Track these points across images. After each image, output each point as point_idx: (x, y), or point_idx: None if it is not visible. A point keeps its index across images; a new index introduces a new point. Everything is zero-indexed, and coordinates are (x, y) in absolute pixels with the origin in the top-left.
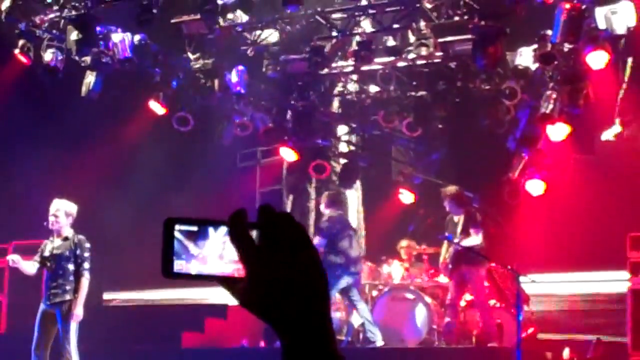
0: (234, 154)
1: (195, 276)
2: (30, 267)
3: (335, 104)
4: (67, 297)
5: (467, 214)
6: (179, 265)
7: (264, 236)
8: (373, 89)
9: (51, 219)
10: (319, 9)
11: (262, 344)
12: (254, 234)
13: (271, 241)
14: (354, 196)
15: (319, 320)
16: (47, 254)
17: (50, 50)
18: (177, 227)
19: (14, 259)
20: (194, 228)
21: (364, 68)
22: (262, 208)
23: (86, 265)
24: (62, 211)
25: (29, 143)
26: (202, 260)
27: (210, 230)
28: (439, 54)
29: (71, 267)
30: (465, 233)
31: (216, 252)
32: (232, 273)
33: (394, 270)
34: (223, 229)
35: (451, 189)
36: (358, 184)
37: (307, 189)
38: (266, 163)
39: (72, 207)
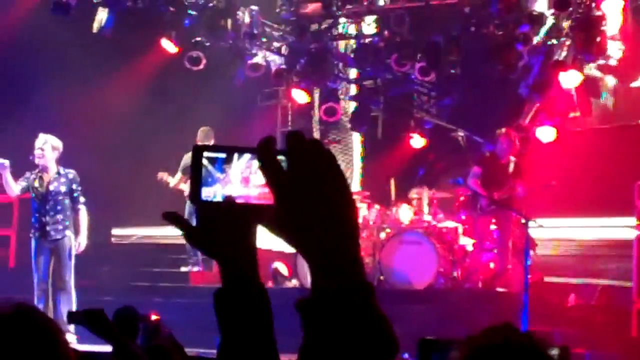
0: (255, 92)
1: (223, 203)
2: (14, 185)
3: (348, 46)
4: (68, 232)
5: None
6: (206, 192)
7: (293, 163)
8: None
9: (37, 152)
10: None
11: (269, 284)
12: (284, 161)
13: (300, 168)
14: (356, 138)
15: (349, 247)
16: (41, 189)
17: None
18: (205, 154)
19: (4, 162)
20: (222, 155)
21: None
22: (290, 134)
23: (82, 199)
24: (49, 145)
25: (39, 81)
26: (229, 184)
27: (238, 156)
28: None
29: (67, 201)
30: (514, 179)
31: (242, 177)
32: (259, 199)
33: (403, 213)
34: (248, 155)
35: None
36: None
37: (312, 131)
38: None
39: (58, 142)
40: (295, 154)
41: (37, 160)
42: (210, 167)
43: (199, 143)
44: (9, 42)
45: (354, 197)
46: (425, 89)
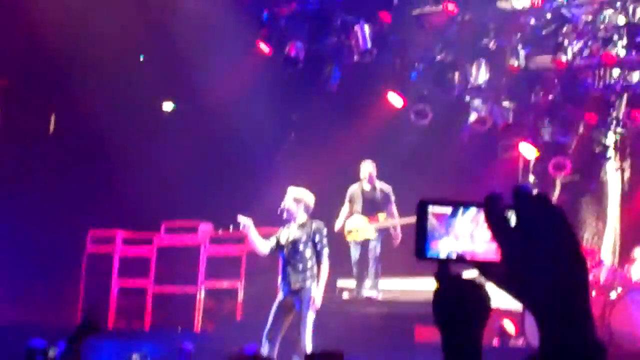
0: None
1: (447, 259)
2: (262, 244)
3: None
4: (308, 283)
5: None
6: (432, 247)
7: (521, 218)
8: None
9: (282, 205)
10: (564, 2)
11: (495, 342)
12: (511, 216)
13: (528, 224)
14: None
15: (578, 306)
16: (283, 241)
17: (291, 40)
18: (430, 208)
19: (246, 223)
20: (448, 209)
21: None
22: (517, 189)
23: (325, 250)
24: (291, 198)
25: (267, 133)
26: (455, 240)
27: (463, 211)
28: None
29: (309, 252)
30: None
31: (468, 232)
32: (485, 256)
33: (635, 271)
34: (474, 210)
35: None
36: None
37: (555, 184)
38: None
39: (304, 194)
40: (523, 209)
41: (284, 214)
42: (435, 222)
43: (362, 176)
44: (238, 99)
45: (585, 254)
46: None
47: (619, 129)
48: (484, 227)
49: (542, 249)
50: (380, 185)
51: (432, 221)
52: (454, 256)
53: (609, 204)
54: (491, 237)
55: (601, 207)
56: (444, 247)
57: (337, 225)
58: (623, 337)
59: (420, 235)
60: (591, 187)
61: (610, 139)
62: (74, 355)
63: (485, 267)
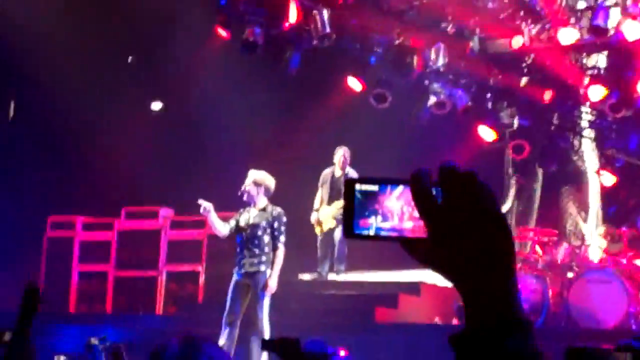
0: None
1: (376, 237)
2: (221, 225)
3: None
4: (262, 267)
5: None
6: (360, 225)
7: (447, 195)
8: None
9: (243, 188)
10: None
11: (455, 321)
12: (437, 193)
13: (454, 200)
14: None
15: (505, 282)
16: (242, 223)
17: (249, 25)
18: (357, 187)
19: (206, 206)
20: (375, 187)
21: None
22: (441, 166)
23: (282, 238)
24: (251, 180)
25: (227, 118)
26: (383, 218)
27: (391, 189)
28: None
29: (267, 238)
30: None
31: (396, 209)
32: (413, 232)
33: (592, 251)
34: (402, 187)
35: None
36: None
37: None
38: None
39: (265, 178)
40: (449, 186)
41: (244, 197)
42: (363, 200)
43: (335, 160)
44: (197, 86)
45: (511, 230)
46: (616, 125)
47: (586, 111)
48: (411, 204)
49: (468, 225)
50: (350, 171)
51: (360, 199)
52: (381, 233)
53: (589, 192)
54: (418, 214)
55: (582, 195)
56: (372, 224)
57: (313, 217)
58: (581, 315)
59: (348, 214)
60: (569, 174)
61: (584, 122)
62: (24, 337)
63: (411, 244)
